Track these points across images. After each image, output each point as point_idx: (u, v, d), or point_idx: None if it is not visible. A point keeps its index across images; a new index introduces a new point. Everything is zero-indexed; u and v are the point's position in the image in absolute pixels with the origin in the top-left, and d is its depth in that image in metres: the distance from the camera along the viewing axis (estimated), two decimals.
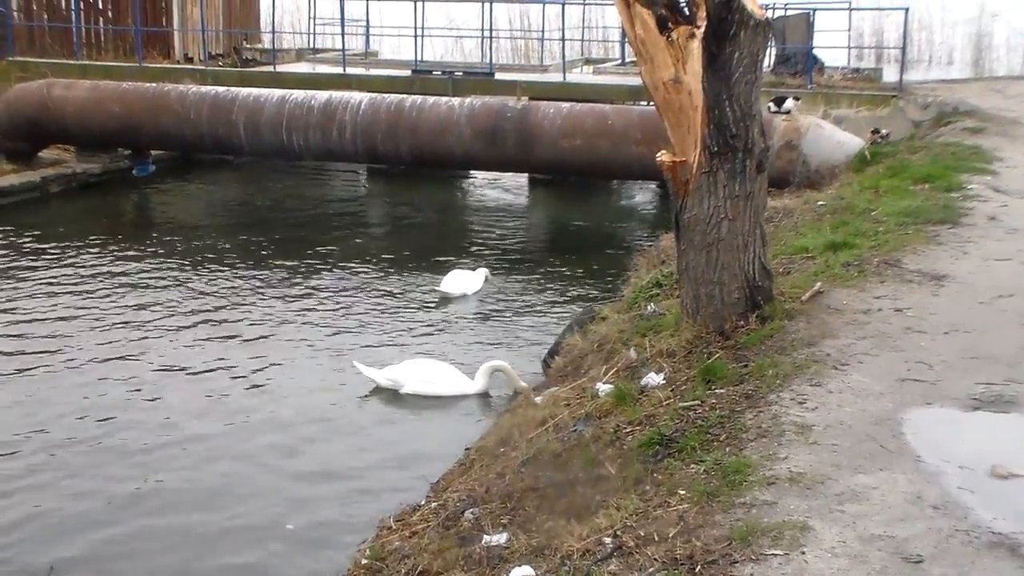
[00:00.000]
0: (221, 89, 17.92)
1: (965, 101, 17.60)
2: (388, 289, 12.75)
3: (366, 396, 9.48)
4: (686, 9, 6.73)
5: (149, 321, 11.31)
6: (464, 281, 12.53)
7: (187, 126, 17.32)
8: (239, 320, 11.46)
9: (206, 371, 9.96)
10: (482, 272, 12.81)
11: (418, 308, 12.05)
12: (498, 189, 19.82)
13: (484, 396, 9.42)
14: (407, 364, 9.65)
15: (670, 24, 6.68)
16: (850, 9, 23.48)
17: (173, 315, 11.55)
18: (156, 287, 12.59)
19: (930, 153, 13.20)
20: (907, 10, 20.35)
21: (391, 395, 9.46)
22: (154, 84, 18.36)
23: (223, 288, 12.63)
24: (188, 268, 13.51)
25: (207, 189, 19.57)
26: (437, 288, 12.44)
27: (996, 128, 15.27)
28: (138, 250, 14.29)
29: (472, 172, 19.88)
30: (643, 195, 19.30)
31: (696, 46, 6.56)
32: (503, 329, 11.41)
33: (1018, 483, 4.79)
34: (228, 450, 8.35)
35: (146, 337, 10.82)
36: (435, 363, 9.70)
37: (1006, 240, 8.93)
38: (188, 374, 9.87)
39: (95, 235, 14.93)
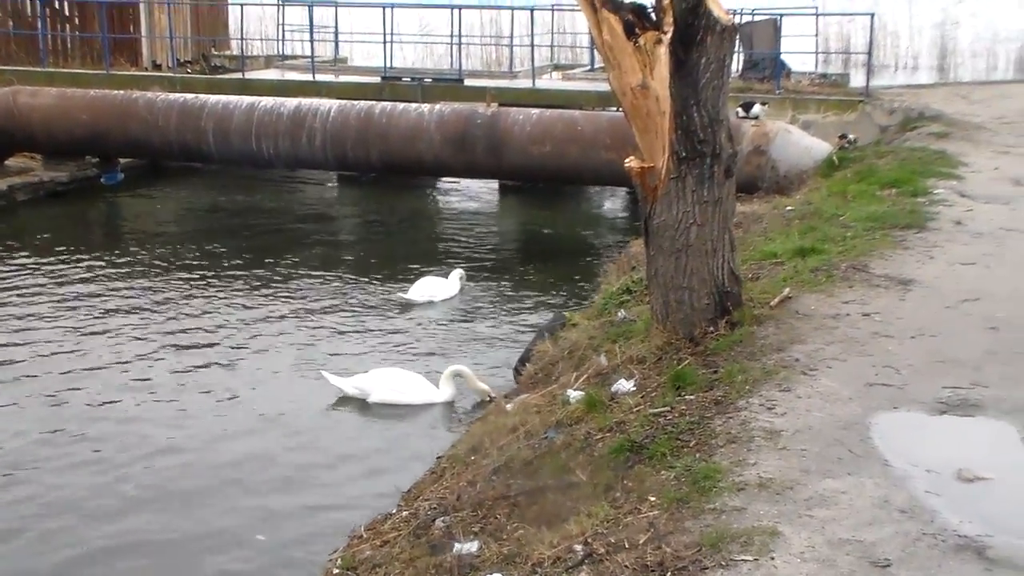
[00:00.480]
0: (190, 96, 17.83)
1: (931, 106, 17.79)
2: (357, 297, 12.69)
3: (334, 406, 9.44)
4: (653, 14, 6.74)
5: (116, 331, 11.21)
6: (431, 288, 12.49)
7: (155, 133, 17.20)
8: (207, 330, 11.37)
9: (173, 382, 9.87)
10: (456, 275, 12.77)
11: (387, 316, 12.00)
12: (468, 196, 19.79)
13: (452, 404, 9.40)
14: (375, 373, 9.60)
15: (637, 30, 6.69)
16: (817, 14, 23.61)
17: (140, 324, 11.45)
18: (123, 296, 12.47)
19: (897, 158, 13.32)
20: (873, 15, 20.54)
21: (359, 404, 9.41)
22: (122, 91, 18.21)
23: (191, 298, 12.53)
24: (156, 277, 13.41)
25: (176, 197, 19.42)
26: (403, 295, 12.41)
27: (961, 133, 15.43)
28: (106, 259, 14.16)
29: (443, 179, 19.85)
30: (613, 201, 19.33)
31: (663, 51, 6.58)
32: (474, 336, 11.39)
33: (984, 486, 4.83)
34: (196, 462, 8.27)
35: (113, 347, 10.71)
36: (403, 372, 9.66)
37: (972, 244, 9.01)
38: (155, 385, 9.77)
39: (63, 244, 14.79)
